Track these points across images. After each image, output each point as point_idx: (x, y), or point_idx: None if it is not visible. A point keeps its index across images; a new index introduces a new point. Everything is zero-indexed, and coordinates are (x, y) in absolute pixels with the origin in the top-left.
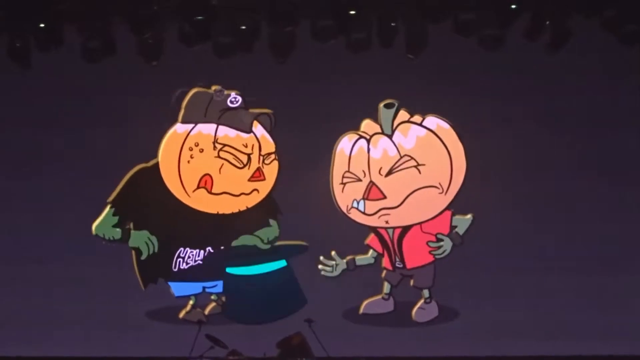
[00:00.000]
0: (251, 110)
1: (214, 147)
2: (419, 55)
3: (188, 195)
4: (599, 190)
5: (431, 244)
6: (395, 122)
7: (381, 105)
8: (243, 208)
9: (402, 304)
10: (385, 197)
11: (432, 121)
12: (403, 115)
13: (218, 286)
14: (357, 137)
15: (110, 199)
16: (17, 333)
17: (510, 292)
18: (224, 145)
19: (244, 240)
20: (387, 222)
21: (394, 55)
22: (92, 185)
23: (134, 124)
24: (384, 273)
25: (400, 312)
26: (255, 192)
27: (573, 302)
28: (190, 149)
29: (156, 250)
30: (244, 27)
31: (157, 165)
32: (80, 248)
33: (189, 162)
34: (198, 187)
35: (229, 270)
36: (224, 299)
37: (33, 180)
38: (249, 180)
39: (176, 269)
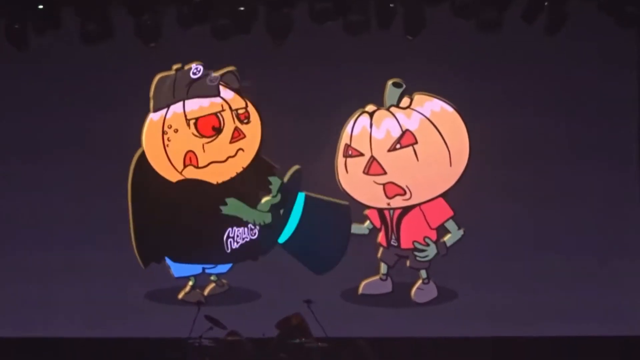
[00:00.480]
0: (214, 74)
1: (187, 124)
2: (418, 37)
3: (182, 176)
4: (594, 172)
5: (417, 245)
6: (401, 104)
7: (389, 82)
8: (239, 170)
9: (400, 285)
10: (385, 173)
11: (436, 104)
12: (404, 101)
13: (218, 266)
14: (360, 113)
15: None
16: (20, 316)
17: (508, 275)
18: (196, 119)
19: (258, 215)
20: (388, 204)
21: (393, 36)
22: (90, 169)
23: (132, 106)
24: (379, 253)
25: (398, 293)
26: (240, 151)
27: (569, 285)
28: (165, 132)
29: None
30: (242, 9)
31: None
32: (80, 232)
33: (168, 145)
34: (185, 166)
35: (280, 241)
36: (224, 280)
37: (29, 164)
38: (230, 142)
39: (229, 250)
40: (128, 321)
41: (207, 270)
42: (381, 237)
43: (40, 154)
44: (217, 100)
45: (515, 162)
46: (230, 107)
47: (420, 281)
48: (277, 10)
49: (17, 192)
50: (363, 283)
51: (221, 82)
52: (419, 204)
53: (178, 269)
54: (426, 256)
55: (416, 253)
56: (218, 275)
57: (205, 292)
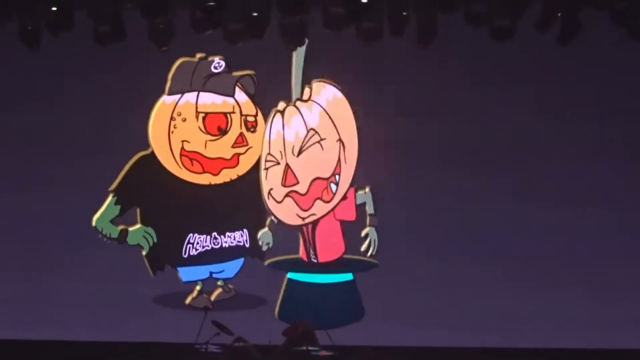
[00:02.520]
0: (234, 74)
1: (196, 116)
2: (429, 46)
3: (180, 167)
4: (604, 180)
5: (364, 247)
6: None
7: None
8: (234, 177)
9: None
10: (298, 182)
11: (329, 91)
12: (306, 92)
13: (225, 271)
14: (274, 114)
15: (112, 187)
16: (24, 318)
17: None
18: (205, 114)
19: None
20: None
21: (405, 44)
22: (99, 169)
23: (144, 109)
24: None
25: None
26: (240, 158)
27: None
28: (173, 119)
29: (155, 241)
30: (255, 14)
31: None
32: (88, 232)
33: (172, 132)
34: (190, 168)
35: (290, 275)
36: (230, 286)
37: (40, 162)
38: (232, 146)
39: (186, 256)
40: (134, 325)
41: (214, 275)
42: (302, 252)
43: (51, 152)
44: (230, 100)
45: (522, 168)
46: (240, 111)
47: None
48: (291, 15)
49: (26, 189)
50: None
51: (238, 84)
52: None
53: (186, 274)
54: (374, 240)
55: (369, 251)
56: (225, 280)
57: (212, 298)
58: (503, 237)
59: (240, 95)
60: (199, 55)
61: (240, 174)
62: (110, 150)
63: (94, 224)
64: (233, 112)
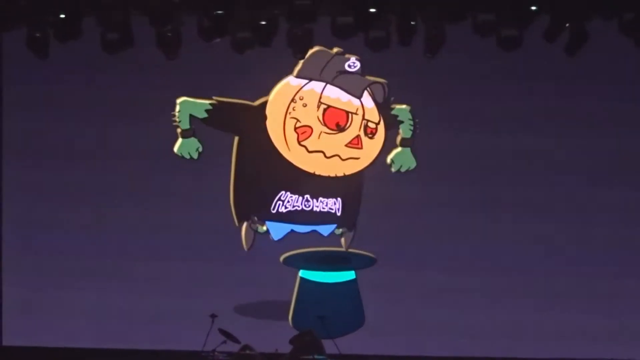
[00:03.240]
0: (367, 77)
1: (318, 106)
2: (437, 55)
3: (288, 149)
4: (611, 192)
5: None
6: None
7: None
8: (340, 174)
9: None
10: None
11: None
12: None
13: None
14: None
15: (218, 98)
16: (32, 324)
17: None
18: (327, 106)
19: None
20: None
21: (412, 54)
22: (106, 178)
23: (150, 117)
24: None
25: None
26: (351, 160)
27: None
28: (294, 101)
29: (196, 157)
30: (263, 23)
31: (263, 105)
32: (94, 241)
33: (289, 113)
34: (298, 139)
35: (302, 274)
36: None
37: (46, 170)
38: (346, 145)
39: (274, 211)
40: (141, 333)
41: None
42: None
43: (59, 161)
44: (356, 102)
45: (533, 179)
46: (363, 115)
47: None
48: (299, 24)
49: (33, 198)
50: None
51: (368, 89)
52: None
53: (276, 231)
54: None
55: None
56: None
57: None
58: (505, 248)
59: (367, 99)
60: (335, 49)
61: (348, 173)
62: (116, 157)
63: (179, 100)
64: (355, 114)
